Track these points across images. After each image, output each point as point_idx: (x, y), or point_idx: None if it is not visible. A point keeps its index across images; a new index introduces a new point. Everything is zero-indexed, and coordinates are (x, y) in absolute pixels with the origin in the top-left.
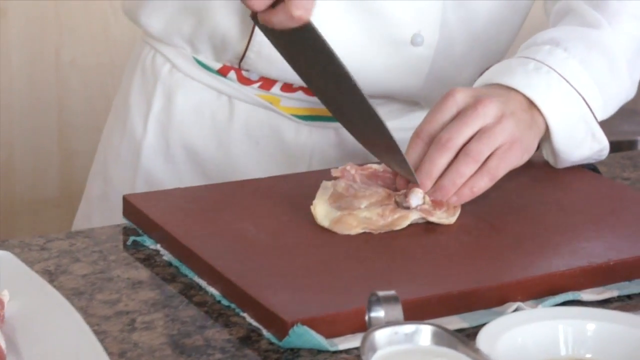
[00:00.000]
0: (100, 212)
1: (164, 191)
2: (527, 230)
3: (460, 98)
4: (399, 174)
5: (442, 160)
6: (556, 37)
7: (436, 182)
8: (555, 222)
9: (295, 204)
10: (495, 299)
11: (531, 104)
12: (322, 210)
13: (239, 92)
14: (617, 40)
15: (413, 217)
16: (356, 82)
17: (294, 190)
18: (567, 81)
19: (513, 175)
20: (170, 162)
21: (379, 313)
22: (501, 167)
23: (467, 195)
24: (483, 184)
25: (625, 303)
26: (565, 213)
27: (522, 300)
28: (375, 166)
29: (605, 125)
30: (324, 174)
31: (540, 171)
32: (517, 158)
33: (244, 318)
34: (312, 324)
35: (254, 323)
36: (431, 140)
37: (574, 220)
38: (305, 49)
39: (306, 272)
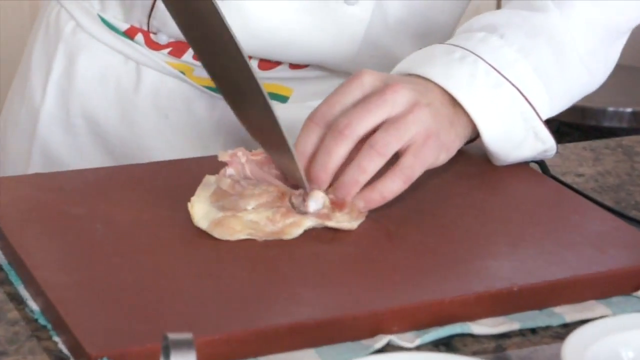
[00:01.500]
0: None
1: (18, 177)
2: (427, 242)
3: (368, 81)
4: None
5: (339, 150)
6: (494, 22)
7: (335, 178)
8: (464, 233)
9: (174, 198)
10: (362, 330)
11: (452, 99)
12: (200, 210)
13: (147, 58)
14: (566, 26)
15: (307, 224)
16: (246, 57)
17: (179, 180)
18: (499, 72)
19: (440, 169)
20: (70, 133)
21: None
22: (417, 167)
23: (377, 201)
24: (395, 187)
25: (525, 339)
26: (479, 222)
27: (398, 332)
28: None
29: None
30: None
31: (470, 166)
32: (433, 155)
33: (56, 343)
34: (124, 358)
35: (65, 351)
36: (328, 128)
37: (487, 231)
38: (197, 15)
39: (145, 289)
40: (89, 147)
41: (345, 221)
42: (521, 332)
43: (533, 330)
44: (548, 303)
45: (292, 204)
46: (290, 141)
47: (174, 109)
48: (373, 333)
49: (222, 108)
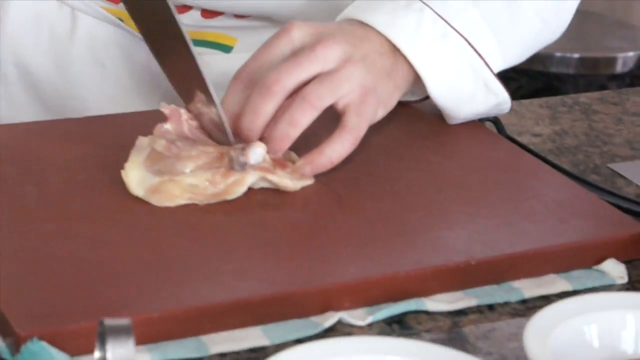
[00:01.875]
0: None
1: None
2: (379, 210)
3: (297, 35)
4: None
5: (266, 107)
6: None
7: (266, 134)
8: (418, 199)
9: (110, 157)
10: (311, 306)
11: (395, 48)
12: (135, 176)
13: (82, 4)
14: None
15: (250, 180)
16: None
17: (116, 137)
18: (445, 20)
19: (392, 129)
20: (1, 82)
21: (104, 353)
22: (362, 126)
23: (325, 165)
24: (344, 149)
25: (482, 315)
26: (434, 187)
27: (349, 309)
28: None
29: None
30: (159, 115)
31: (422, 125)
32: (372, 112)
33: None
34: (56, 339)
35: None
36: (255, 85)
37: (442, 198)
38: None
39: (79, 261)
40: (21, 97)
41: (287, 179)
42: (478, 309)
43: (490, 307)
44: (506, 277)
45: (230, 158)
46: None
47: (111, 57)
48: (323, 310)
49: None
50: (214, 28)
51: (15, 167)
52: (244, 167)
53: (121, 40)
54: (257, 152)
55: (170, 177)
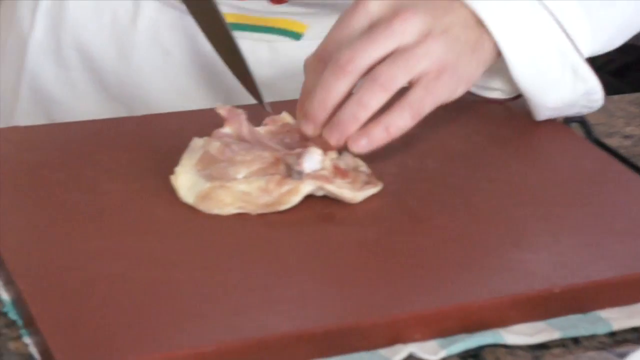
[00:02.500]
0: None
1: None
2: (454, 227)
3: (375, 7)
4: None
5: (339, 86)
6: None
7: (334, 116)
8: (496, 215)
9: (170, 162)
10: (379, 338)
11: (480, 21)
12: (185, 181)
13: None
14: None
15: (305, 189)
16: None
17: (177, 137)
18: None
19: (470, 132)
20: (62, 66)
21: None
22: (427, 101)
23: (381, 137)
24: (402, 121)
25: (566, 350)
26: (514, 201)
27: (420, 341)
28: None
29: None
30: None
31: (504, 128)
32: (448, 89)
33: (26, 346)
34: None
35: (36, 356)
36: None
37: (523, 214)
38: None
39: (129, 283)
40: (83, 83)
41: (347, 189)
42: (562, 342)
43: (575, 340)
44: (593, 306)
45: (286, 167)
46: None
47: (176, 45)
48: (391, 341)
49: None
50: (283, 14)
51: (64, 171)
52: (300, 174)
53: (186, 27)
54: (313, 159)
55: (221, 182)
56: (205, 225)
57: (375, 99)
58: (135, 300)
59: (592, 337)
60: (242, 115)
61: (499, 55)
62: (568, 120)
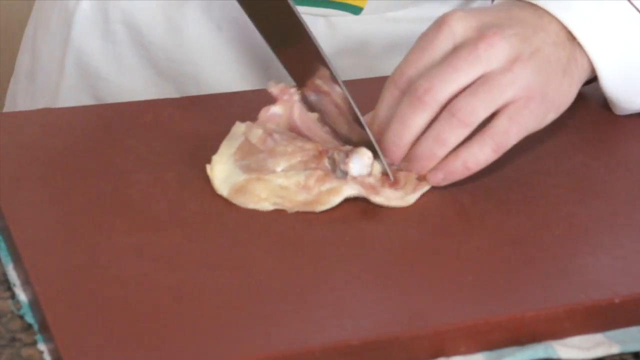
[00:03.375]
0: (26, 92)
1: (21, 113)
2: (508, 226)
3: (459, 28)
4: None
5: (416, 119)
6: None
7: (410, 150)
8: (554, 212)
9: (203, 151)
10: (421, 350)
11: (572, 35)
12: (221, 172)
13: None
14: None
15: (347, 192)
16: None
17: (217, 124)
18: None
19: None
20: (109, 41)
21: None
22: (512, 132)
23: (459, 172)
24: (483, 156)
25: None
26: (575, 196)
27: (465, 354)
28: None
29: None
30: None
31: (571, 115)
32: (535, 118)
33: (41, 353)
34: None
35: None
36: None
37: (583, 212)
38: None
39: (149, 289)
40: (130, 58)
41: (396, 198)
42: (621, 357)
43: (636, 355)
44: None
45: (331, 162)
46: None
47: (229, 20)
48: (434, 354)
49: None
50: None
51: (96, 159)
52: (345, 175)
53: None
54: (362, 161)
55: (258, 175)
56: (239, 221)
57: (454, 135)
58: (159, 305)
59: None
60: (295, 96)
61: (592, 71)
62: None
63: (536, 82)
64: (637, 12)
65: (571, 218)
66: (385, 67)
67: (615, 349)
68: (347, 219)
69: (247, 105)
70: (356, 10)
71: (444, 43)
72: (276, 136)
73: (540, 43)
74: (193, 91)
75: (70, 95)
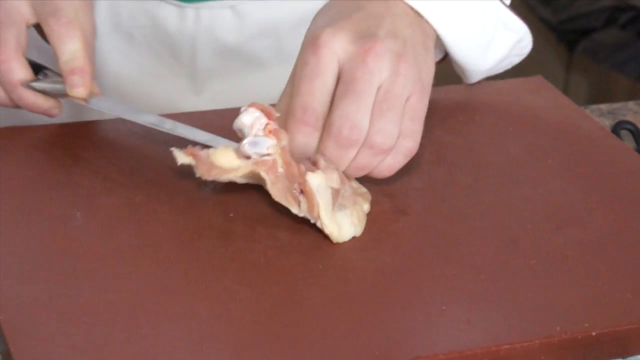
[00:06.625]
0: None
1: None
2: (482, 254)
3: (338, 46)
4: None
5: (349, 157)
6: None
7: None
8: (530, 239)
9: (176, 170)
10: None
11: (416, 12)
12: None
13: None
14: None
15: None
16: None
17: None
18: None
19: (507, 142)
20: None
21: None
22: (417, 131)
23: (386, 173)
24: (398, 165)
25: None
26: (551, 223)
27: None
28: None
29: None
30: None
31: (541, 136)
32: (426, 105)
33: None
34: None
35: None
36: (322, 124)
37: (558, 239)
38: None
39: (123, 314)
40: None
41: (331, 224)
42: None
43: None
44: (635, 350)
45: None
46: None
47: (138, 27)
48: None
49: (193, 18)
50: None
51: (64, 180)
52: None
53: (145, 7)
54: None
55: None
56: (211, 247)
57: (377, 161)
58: (127, 333)
59: None
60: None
61: (438, 39)
62: (617, 128)
63: (417, 74)
64: None
65: (547, 246)
66: (296, 45)
67: None
68: (320, 245)
69: (210, 124)
70: None
71: (330, 66)
72: None
73: (402, 31)
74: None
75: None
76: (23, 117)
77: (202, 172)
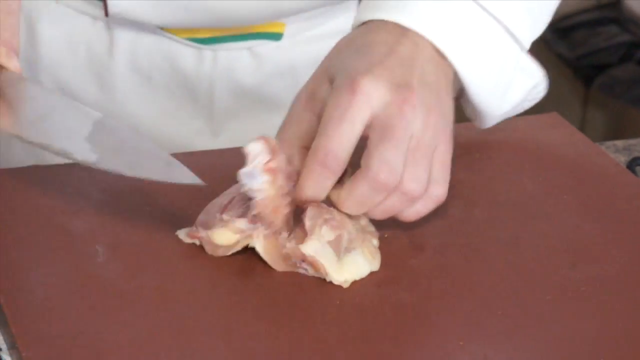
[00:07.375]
0: None
1: (13, 169)
2: (498, 292)
3: (377, 96)
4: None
5: (379, 199)
6: None
7: None
8: (546, 277)
9: (196, 206)
10: None
11: (441, 54)
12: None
13: (117, 16)
14: None
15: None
16: None
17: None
18: (484, 8)
19: (523, 178)
20: None
21: None
22: (446, 176)
23: (413, 218)
24: (426, 211)
25: None
26: (567, 260)
27: None
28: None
29: None
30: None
31: (558, 173)
32: (452, 150)
33: None
34: None
35: None
36: (341, 170)
37: (572, 276)
38: None
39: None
40: None
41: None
42: None
43: None
44: None
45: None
46: None
47: (156, 68)
48: None
49: (210, 59)
50: (261, 19)
51: (86, 218)
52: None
53: (164, 48)
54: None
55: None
56: (226, 288)
57: (406, 206)
58: None
59: None
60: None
61: (457, 82)
62: (632, 165)
63: (445, 123)
64: (490, 16)
65: (563, 282)
66: None
67: None
68: (309, 284)
69: (204, 164)
70: (277, 36)
71: (362, 114)
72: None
73: (430, 79)
74: None
75: (18, 160)
76: (38, 156)
77: (210, 251)
